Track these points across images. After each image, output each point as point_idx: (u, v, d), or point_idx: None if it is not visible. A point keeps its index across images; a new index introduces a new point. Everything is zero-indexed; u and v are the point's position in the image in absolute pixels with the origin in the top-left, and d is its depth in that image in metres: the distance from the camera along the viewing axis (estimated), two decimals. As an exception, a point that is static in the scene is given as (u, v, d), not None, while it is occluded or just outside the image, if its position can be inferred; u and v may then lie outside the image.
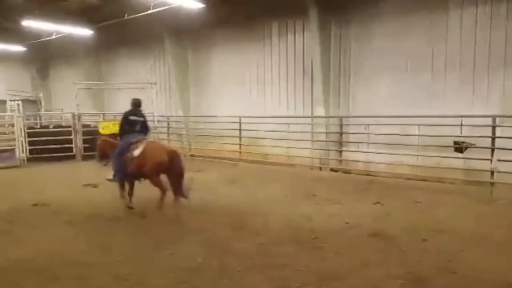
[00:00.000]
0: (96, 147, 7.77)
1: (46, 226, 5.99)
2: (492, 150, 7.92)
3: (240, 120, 12.17)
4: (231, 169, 11.39)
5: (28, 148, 12.57)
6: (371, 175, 9.76)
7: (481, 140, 8.16)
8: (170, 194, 6.48)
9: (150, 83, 14.90)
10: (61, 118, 16.57)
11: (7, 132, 13.13)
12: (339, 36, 10.92)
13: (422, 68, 9.63)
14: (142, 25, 13.79)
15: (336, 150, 10.63)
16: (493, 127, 7.92)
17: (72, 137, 13.32)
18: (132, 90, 15.04)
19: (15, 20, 14.18)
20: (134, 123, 6.91)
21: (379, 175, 9.63)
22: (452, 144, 8.65)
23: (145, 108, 14.50)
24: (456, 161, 8.72)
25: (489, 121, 7.96)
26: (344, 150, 10.58)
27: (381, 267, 4.36)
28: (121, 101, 16.96)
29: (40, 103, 18.90)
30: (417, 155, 9.15)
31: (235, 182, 9.22)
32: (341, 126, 10.40)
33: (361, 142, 10.09)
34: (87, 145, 12.92)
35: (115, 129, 13.33)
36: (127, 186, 6.99)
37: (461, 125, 8.27)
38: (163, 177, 6.59)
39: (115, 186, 8.38)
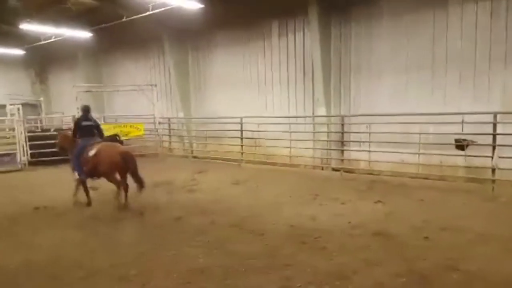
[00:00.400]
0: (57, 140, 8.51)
1: (49, 228, 6.00)
2: (494, 147, 7.92)
3: (241, 120, 12.17)
4: (234, 170, 11.40)
5: (29, 152, 12.58)
6: (374, 174, 9.76)
7: (483, 138, 8.17)
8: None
9: (151, 85, 14.91)
10: (62, 121, 16.58)
11: (7, 137, 13.14)
12: (340, 35, 10.92)
13: (423, 66, 9.63)
14: (142, 26, 13.80)
15: (338, 150, 10.63)
16: (494, 124, 7.92)
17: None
18: (132, 92, 15.12)
19: (14, 24, 14.18)
20: (86, 127, 7.57)
21: (382, 174, 9.63)
22: (453, 142, 8.66)
23: (145, 110, 14.78)
24: (458, 158, 8.73)
25: (490, 118, 7.97)
26: (346, 150, 10.58)
27: (385, 265, 4.36)
28: (121, 104, 17.05)
29: (41, 107, 18.92)
30: (419, 153, 9.15)
31: (238, 183, 9.23)
32: (342, 125, 10.41)
33: (363, 141, 10.09)
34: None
35: (116, 131, 13.52)
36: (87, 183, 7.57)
37: (462, 122, 8.28)
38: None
39: (116, 189, 8.43)
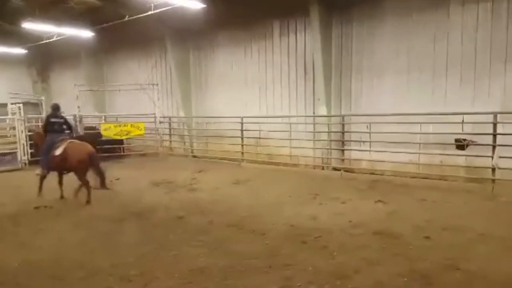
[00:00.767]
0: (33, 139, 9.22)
1: (50, 228, 6.01)
2: (494, 147, 7.93)
3: (242, 120, 12.18)
4: (234, 169, 11.41)
5: (29, 151, 12.58)
6: (374, 174, 9.77)
7: (483, 137, 8.18)
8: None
9: (152, 84, 14.93)
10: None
11: (8, 136, 13.14)
12: (341, 35, 10.92)
13: (423, 66, 9.63)
14: (143, 26, 13.80)
15: (339, 149, 10.65)
16: (494, 124, 7.93)
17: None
18: (134, 91, 15.13)
19: (16, 23, 14.20)
20: (54, 124, 8.07)
21: (382, 174, 9.64)
22: (453, 141, 8.67)
23: (146, 109, 14.79)
24: (458, 158, 8.75)
25: (490, 118, 7.98)
26: (347, 149, 10.60)
27: (386, 265, 4.38)
28: (122, 103, 17.06)
29: (42, 106, 18.91)
30: (420, 153, 9.16)
31: (238, 183, 9.25)
32: (343, 125, 10.41)
33: (363, 141, 10.10)
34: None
35: (117, 130, 13.54)
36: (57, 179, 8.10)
37: (463, 122, 8.29)
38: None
39: (116, 189, 8.49)
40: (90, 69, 18.29)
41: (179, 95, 15.13)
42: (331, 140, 10.79)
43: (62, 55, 19.23)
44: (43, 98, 17.43)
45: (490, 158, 7.96)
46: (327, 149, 10.88)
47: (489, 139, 8.03)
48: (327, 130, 10.85)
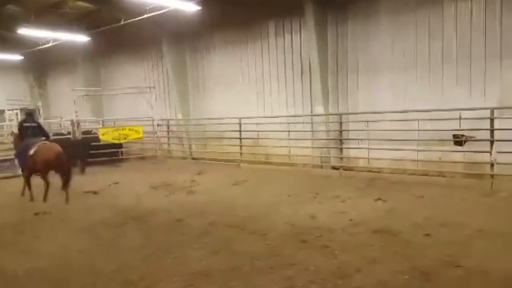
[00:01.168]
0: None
1: (51, 234, 6.00)
2: (491, 142, 7.96)
3: (240, 121, 12.19)
4: (233, 170, 11.43)
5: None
6: (373, 172, 9.80)
7: (480, 133, 8.21)
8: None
9: (149, 87, 14.93)
10: (61, 125, 16.57)
11: (6, 142, 13.11)
12: (336, 34, 10.94)
13: (419, 63, 9.67)
14: (139, 29, 13.82)
15: (337, 148, 10.67)
16: (492, 119, 7.96)
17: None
18: (131, 94, 15.12)
19: (12, 29, 14.19)
20: (27, 128, 8.62)
21: (381, 171, 9.66)
22: (451, 138, 8.70)
23: (144, 112, 14.79)
24: (457, 154, 8.78)
25: (487, 113, 8.01)
26: (345, 147, 10.62)
27: (386, 263, 4.39)
28: (120, 106, 17.04)
29: (39, 112, 18.88)
30: (418, 150, 9.18)
31: (237, 184, 9.26)
32: (340, 123, 10.43)
33: (361, 139, 10.12)
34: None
35: (115, 134, 13.53)
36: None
37: (460, 118, 8.32)
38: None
39: (115, 193, 8.50)
40: (87, 74, 18.27)
41: (176, 98, 15.13)
42: (329, 139, 10.81)
43: (58, 60, 19.20)
44: (40, 104, 17.42)
45: (489, 154, 8.00)
46: (325, 148, 10.91)
47: (487, 135, 8.06)
48: (324, 129, 10.87)
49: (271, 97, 12.71)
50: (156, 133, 14.85)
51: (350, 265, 4.36)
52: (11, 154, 12.41)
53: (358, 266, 4.33)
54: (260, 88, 12.96)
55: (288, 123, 11.49)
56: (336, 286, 3.95)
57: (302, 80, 11.85)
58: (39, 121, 11.43)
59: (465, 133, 8.53)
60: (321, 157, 11.11)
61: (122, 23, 13.18)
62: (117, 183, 9.85)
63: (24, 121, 8.88)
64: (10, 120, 14.12)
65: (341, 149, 10.60)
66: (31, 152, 7.99)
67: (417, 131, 9.15)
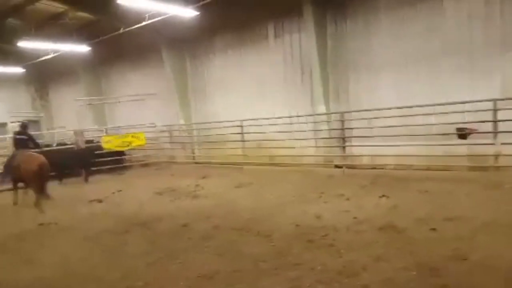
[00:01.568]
0: None
1: (55, 244, 5.99)
2: (495, 134, 7.90)
3: (242, 124, 12.19)
4: (236, 173, 11.41)
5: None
6: (377, 169, 9.75)
7: (484, 125, 8.16)
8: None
9: (150, 94, 14.97)
10: (63, 135, 16.66)
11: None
12: (336, 32, 10.95)
13: (420, 57, 9.64)
14: (139, 37, 13.91)
15: (340, 146, 10.64)
16: (495, 111, 7.90)
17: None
18: (133, 102, 15.19)
19: (12, 42, 14.31)
20: (18, 140, 9.10)
21: (385, 168, 9.62)
22: (455, 131, 8.65)
23: (147, 119, 14.85)
24: (460, 148, 8.72)
25: (490, 105, 7.96)
26: (348, 146, 10.59)
27: (393, 260, 4.35)
28: (123, 114, 17.13)
29: (42, 123, 19.03)
30: (421, 145, 9.13)
31: (241, 186, 9.25)
32: (342, 122, 10.41)
33: (364, 137, 10.09)
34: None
35: (118, 142, 13.57)
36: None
37: (463, 111, 8.27)
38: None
39: (120, 200, 8.51)
40: (88, 83, 18.40)
41: (178, 103, 15.18)
42: (331, 138, 10.79)
43: (59, 71, 19.35)
44: (42, 115, 17.53)
45: (493, 146, 7.93)
46: (328, 146, 10.87)
47: (490, 127, 8.00)
48: (327, 128, 10.85)
49: (272, 98, 12.71)
50: (159, 139, 14.87)
51: (356, 264, 4.32)
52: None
53: (364, 264, 4.29)
54: (261, 90, 12.97)
55: (290, 123, 11.47)
56: (343, 285, 3.91)
57: (303, 80, 11.85)
58: (39, 132, 11.58)
59: (468, 126, 8.47)
60: (324, 156, 11.07)
61: (121, 31, 13.24)
62: (121, 190, 9.86)
63: (17, 133, 9.30)
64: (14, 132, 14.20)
65: (344, 147, 10.57)
66: (16, 162, 8.51)
67: (419, 126, 9.09)
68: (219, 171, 11.90)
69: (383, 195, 7.11)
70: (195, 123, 15.04)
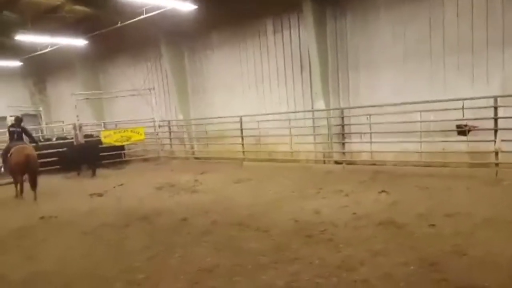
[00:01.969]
0: None
1: (55, 237, 5.99)
2: (495, 131, 7.91)
3: (241, 119, 12.17)
4: (236, 169, 11.41)
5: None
6: (376, 165, 9.75)
7: (484, 122, 8.15)
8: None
9: (149, 89, 14.93)
10: (63, 130, 16.60)
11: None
12: (335, 28, 10.88)
13: (420, 53, 9.58)
14: (137, 31, 13.80)
15: (339, 143, 10.63)
16: (495, 108, 7.90)
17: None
18: (131, 97, 15.14)
19: (9, 36, 14.21)
20: (13, 133, 9.46)
21: (384, 164, 9.62)
22: (455, 128, 8.65)
23: (145, 114, 14.81)
24: (461, 144, 8.72)
25: (490, 102, 7.95)
26: (347, 142, 10.58)
27: (392, 255, 4.36)
28: (121, 109, 17.07)
29: (41, 117, 18.95)
30: (421, 142, 9.13)
31: (241, 182, 9.25)
32: (342, 118, 10.39)
33: (363, 133, 10.08)
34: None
35: (117, 137, 13.55)
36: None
37: (463, 108, 8.25)
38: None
39: (120, 195, 8.52)
40: (86, 77, 18.31)
41: (176, 98, 15.12)
42: (331, 134, 10.77)
43: (57, 65, 19.23)
44: (41, 109, 17.45)
45: (493, 143, 7.94)
46: (328, 142, 10.87)
47: (490, 124, 8.00)
48: (326, 124, 10.84)
49: (271, 94, 12.67)
50: (158, 134, 14.84)
51: (355, 258, 4.33)
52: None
53: (363, 259, 4.30)
54: (260, 85, 12.92)
55: (290, 119, 11.45)
56: (342, 279, 3.92)
57: (302, 76, 11.80)
58: (38, 126, 11.66)
59: (469, 123, 8.47)
60: (323, 152, 11.07)
61: (119, 25, 13.16)
62: (121, 185, 9.86)
63: (11, 126, 9.69)
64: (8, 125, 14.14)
65: (343, 143, 10.55)
66: (9, 155, 8.87)
67: (420, 123, 9.09)
68: (218, 167, 11.89)
69: (383, 191, 7.12)
70: (193, 119, 15.00)
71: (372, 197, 6.87)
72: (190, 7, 11.30)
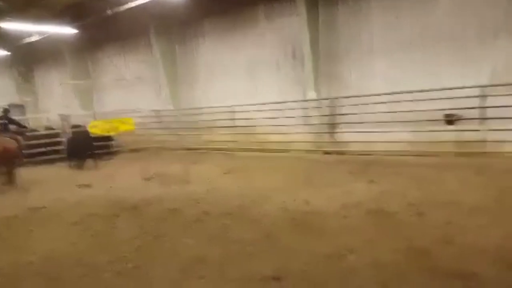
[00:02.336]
0: None
1: (43, 228, 5.92)
2: (483, 120, 7.97)
3: (232, 109, 12.09)
4: (226, 159, 11.36)
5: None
6: (366, 155, 9.78)
7: (472, 111, 8.21)
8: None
9: (139, 78, 14.75)
10: (47, 120, 16.35)
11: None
12: (327, 17, 10.82)
13: (412, 43, 9.59)
14: (127, 20, 13.60)
15: (330, 133, 10.64)
16: (483, 97, 7.95)
17: (61, 139, 13.17)
18: (121, 87, 14.96)
19: (-4, 24, 13.89)
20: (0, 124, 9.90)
21: (374, 154, 9.66)
22: (443, 117, 8.70)
23: (135, 104, 14.65)
24: (449, 134, 8.78)
25: (478, 91, 8.00)
26: (338, 132, 10.59)
27: (381, 243, 4.39)
28: (110, 99, 16.88)
29: (26, 108, 18.66)
30: (410, 131, 9.17)
31: (231, 172, 9.21)
32: (333, 108, 10.38)
33: (353, 123, 10.09)
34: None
35: (106, 127, 13.37)
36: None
37: (452, 98, 8.29)
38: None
39: (109, 185, 8.43)
40: (75, 67, 18.01)
41: (167, 88, 14.97)
42: (322, 124, 10.77)
43: (45, 54, 18.92)
44: (28, 99, 17.18)
45: (480, 132, 8.01)
46: (318, 133, 10.87)
47: (478, 113, 8.06)
48: (317, 114, 10.83)
49: (263, 84, 12.61)
50: (147, 125, 14.71)
51: (343, 247, 4.34)
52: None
53: (352, 247, 4.32)
54: (252, 75, 12.85)
55: (281, 109, 11.41)
56: (331, 267, 3.94)
57: (294, 65, 11.75)
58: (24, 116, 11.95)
59: (457, 112, 8.53)
60: (314, 142, 11.07)
61: (109, 13, 12.93)
62: (110, 175, 9.76)
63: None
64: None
65: (334, 133, 10.56)
66: None
67: (409, 113, 9.11)
68: (209, 157, 11.84)
69: (372, 181, 7.16)
70: (184, 109, 14.88)
71: (362, 187, 6.90)
72: (181, -5, 11.15)
